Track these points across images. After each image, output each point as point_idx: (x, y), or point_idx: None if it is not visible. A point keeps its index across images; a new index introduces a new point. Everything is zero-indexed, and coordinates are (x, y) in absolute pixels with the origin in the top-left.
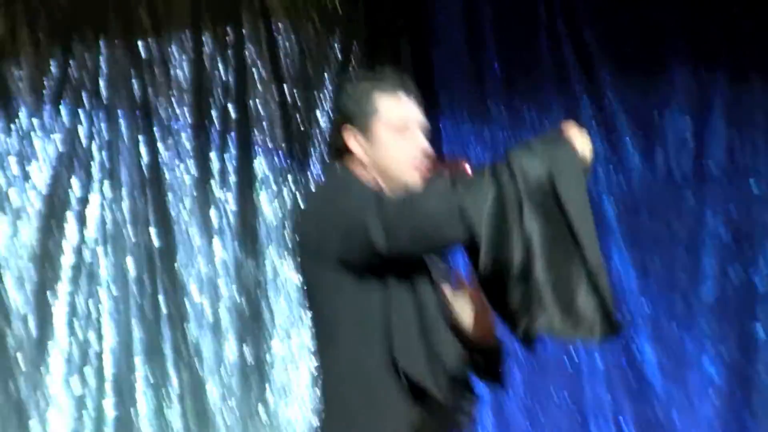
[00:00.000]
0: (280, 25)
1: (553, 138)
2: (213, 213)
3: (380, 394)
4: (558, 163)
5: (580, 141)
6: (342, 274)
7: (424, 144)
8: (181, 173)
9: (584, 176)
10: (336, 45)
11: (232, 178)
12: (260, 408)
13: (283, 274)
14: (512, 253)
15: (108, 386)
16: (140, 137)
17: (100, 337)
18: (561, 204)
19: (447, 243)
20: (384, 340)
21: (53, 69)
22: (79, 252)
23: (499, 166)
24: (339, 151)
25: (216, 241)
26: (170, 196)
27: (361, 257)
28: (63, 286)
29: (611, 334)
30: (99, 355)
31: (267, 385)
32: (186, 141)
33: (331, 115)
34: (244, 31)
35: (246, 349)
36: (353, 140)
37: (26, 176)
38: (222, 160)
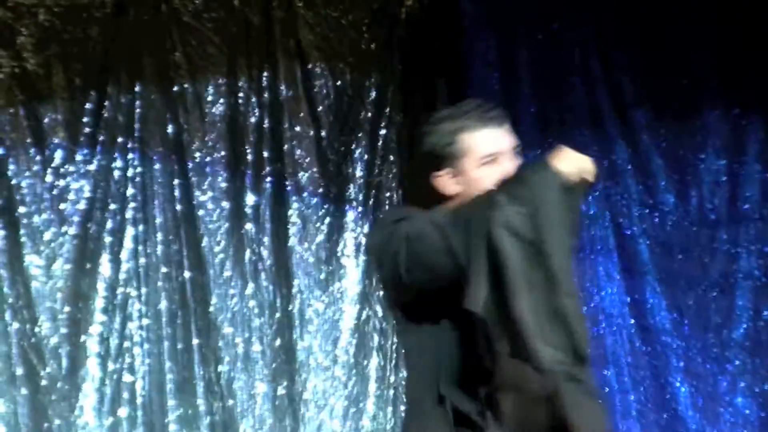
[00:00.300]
0: (316, 66)
1: (539, 165)
2: (247, 254)
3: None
4: (538, 193)
5: (569, 161)
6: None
7: (511, 170)
8: (216, 214)
9: (572, 195)
10: (372, 87)
11: (267, 221)
12: None
13: (317, 313)
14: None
15: (140, 422)
16: (175, 179)
17: (133, 374)
18: (539, 234)
19: (444, 277)
20: (434, 377)
21: (88, 110)
22: (112, 290)
23: (489, 197)
24: (428, 195)
25: (250, 282)
26: (205, 237)
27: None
28: (95, 327)
29: (577, 366)
30: (132, 393)
31: (300, 423)
32: (221, 182)
33: (403, 160)
34: (279, 72)
35: (279, 387)
36: (450, 184)
37: (61, 216)
38: (257, 202)
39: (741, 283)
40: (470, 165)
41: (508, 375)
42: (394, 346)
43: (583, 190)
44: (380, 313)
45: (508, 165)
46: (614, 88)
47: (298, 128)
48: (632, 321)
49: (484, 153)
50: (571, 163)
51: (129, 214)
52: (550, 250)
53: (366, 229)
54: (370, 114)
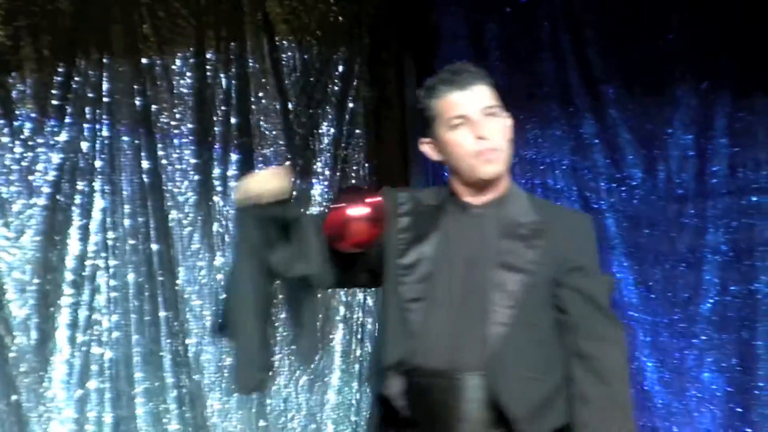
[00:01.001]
0: (283, 40)
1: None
2: (215, 226)
3: None
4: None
5: (245, 188)
6: None
7: (481, 131)
8: (184, 186)
9: (252, 212)
10: (340, 61)
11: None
12: (260, 422)
13: None
14: None
15: (108, 395)
16: (143, 151)
17: (101, 347)
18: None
19: None
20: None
21: (57, 82)
22: (81, 262)
23: None
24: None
25: (218, 255)
26: (173, 209)
27: None
28: (64, 299)
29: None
30: (101, 365)
31: (267, 396)
32: (188, 155)
33: (370, 134)
34: (247, 45)
35: None
36: (430, 152)
37: (29, 188)
38: (224, 173)
39: (708, 257)
40: (442, 130)
41: None
42: (359, 320)
43: (280, 202)
44: None
45: (477, 128)
46: (583, 62)
47: (265, 101)
48: None
49: (450, 116)
50: (248, 187)
51: (97, 186)
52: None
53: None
54: (337, 88)
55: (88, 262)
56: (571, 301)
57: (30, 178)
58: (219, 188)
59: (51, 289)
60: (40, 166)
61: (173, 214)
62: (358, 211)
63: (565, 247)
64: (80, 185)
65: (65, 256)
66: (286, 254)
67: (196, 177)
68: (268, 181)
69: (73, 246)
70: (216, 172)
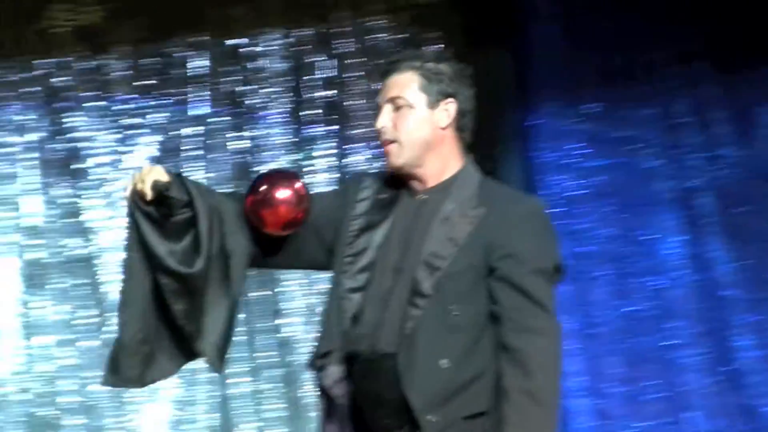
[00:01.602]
0: (374, 20)
1: None
2: None
3: None
4: None
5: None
6: None
7: (376, 122)
8: (274, 166)
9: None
10: (430, 40)
11: (325, 173)
12: None
13: None
14: None
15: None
16: (233, 131)
17: None
18: None
19: None
20: None
21: (150, 63)
22: None
23: None
24: None
25: None
26: None
27: None
28: None
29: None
30: None
31: None
32: (278, 135)
33: None
34: (337, 25)
35: None
36: None
37: (127, 169)
38: (313, 155)
39: None
40: None
41: None
42: None
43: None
44: None
45: (381, 117)
46: (677, 38)
47: (355, 82)
48: (695, 274)
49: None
50: (129, 184)
51: (190, 167)
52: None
53: None
54: None
55: None
56: (501, 291)
57: (125, 159)
58: (309, 169)
59: None
60: (135, 147)
61: None
62: (281, 193)
63: (500, 234)
64: (176, 167)
65: None
66: (177, 247)
67: (287, 158)
68: (144, 177)
69: None
70: (306, 153)
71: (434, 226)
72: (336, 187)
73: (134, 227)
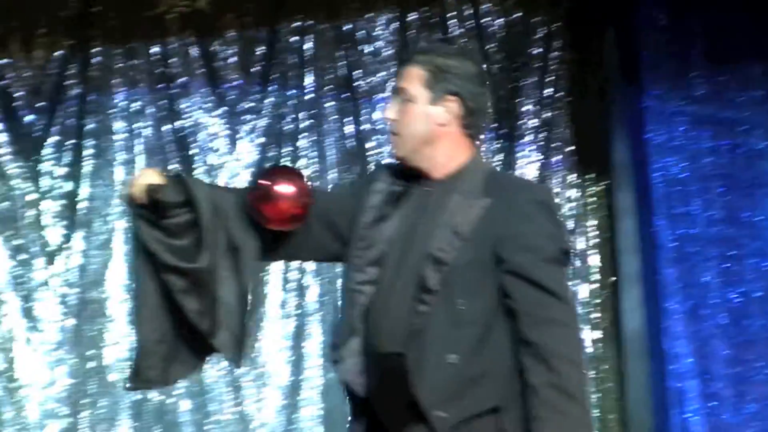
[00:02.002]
0: (484, 2)
1: None
2: None
3: None
4: None
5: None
6: None
7: (384, 112)
8: (387, 150)
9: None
10: (541, 24)
11: None
12: None
13: None
14: None
15: None
16: (346, 115)
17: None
18: None
19: None
20: None
21: (260, 48)
22: None
23: None
24: None
25: None
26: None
27: None
28: None
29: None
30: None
31: None
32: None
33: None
34: (448, 8)
35: None
36: None
37: (236, 154)
38: None
39: None
40: None
41: None
42: None
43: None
44: None
45: (388, 108)
46: None
47: None
48: None
49: None
50: (126, 187)
51: (302, 152)
52: None
53: (536, 164)
54: (538, 51)
55: None
56: (513, 285)
57: (236, 144)
58: None
59: None
60: (245, 133)
61: None
62: (284, 188)
63: (507, 225)
64: (285, 151)
65: None
66: (181, 245)
67: None
68: (136, 181)
69: None
70: None
71: (439, 220)
72: (354, 179)
73: (135, 231)
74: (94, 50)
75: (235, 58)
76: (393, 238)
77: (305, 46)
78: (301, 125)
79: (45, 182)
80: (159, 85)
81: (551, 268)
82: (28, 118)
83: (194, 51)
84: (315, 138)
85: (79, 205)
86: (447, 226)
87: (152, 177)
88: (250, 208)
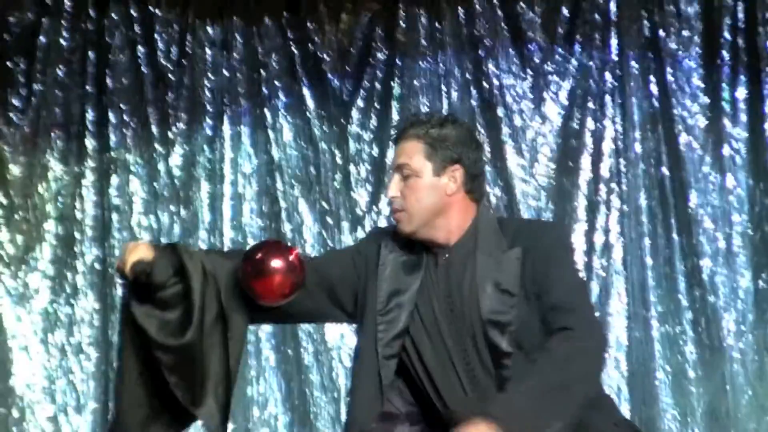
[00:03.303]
0: None
1: None
2: (725, 149)
3: None
4: None
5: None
6: None
7: (387, 190)
8: (692, 109)
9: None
10: None
11: (743, 114)
12: None
13: None
14: None
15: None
16: (651, 75)
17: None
18: None
19: None
20: None
21: (565, 9)
22: (593, 187)
23: None
24: None
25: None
26: (682, 132)
27: None
28: (580, 224)
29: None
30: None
31: None
32: (696, 78)
33: None
34: None
35: (760, 281)
36: None
37: (541, 115)
38: (732, 96)
39: None
40: None
41: None
42: None
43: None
44: None
45: (392, 185)
46: None
47: None
48: None
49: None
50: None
51: (608, 112)
52: None
53: None
54: None
55: (600, 188)
56: (550, 315)
57: (541, 105)
58: (728, 111)
59: (567, 213)
60: (551, 94)
61: (683, 138)
62: (276, 263)
63: (537, 263)
64: (591, 111)
65: (578, 181)
66: (170, 318)
67: (705, 100)
68: (125, 258)
69: (585, 172)
70: (724, 95)
71: (480, 284)
72: (355, 244)
73: (124, 302)
74: (400, 14)
75: (539, 20)
76: (415, 311)
77: (610, 6)
78: (606, 87)
79: (352, 146)
80: (464, 48)
81: (578, 294)
82: (336, 82)
83: (499, 12)
84: (620, 99)
85: (386, 170)
86: (490, 287)
87: (141, 252)
88: (243, 284)
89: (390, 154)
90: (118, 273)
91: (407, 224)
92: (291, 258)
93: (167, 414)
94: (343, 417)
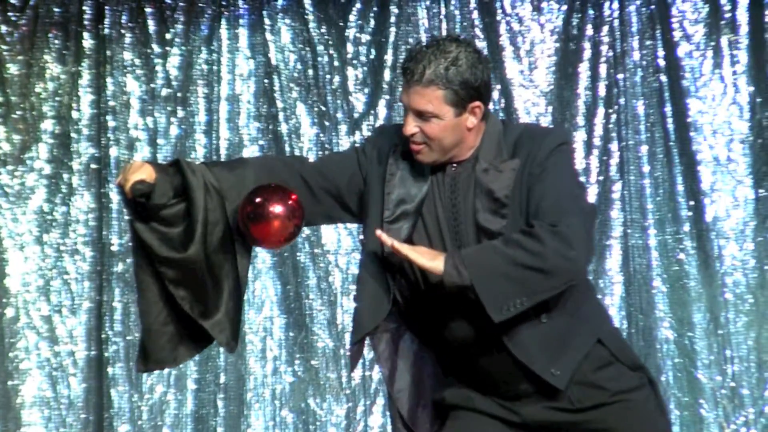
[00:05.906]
0: None
1: None
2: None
3: None
4: None
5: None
6: None
7: (406, 130)
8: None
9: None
10: None
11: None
12: None
13: None
14: None
15: None
16: None
17: None
18: None
19: None
20: None
21: None
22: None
23: None
24: None
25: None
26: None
27: None
28: None
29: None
30: None
31: None
32: None
33: None
34: None
35: None
36: None
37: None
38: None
39: None
40: None
41: None
42: None
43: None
44: None
45: (416, 120)
46: None
47: None
48: None
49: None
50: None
51: (606, 17)
52: None
53: None
54: None
55: (598, 94)
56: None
57: (540, 10)
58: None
59: (566, 119)
60: None
61: (682, 45)
62: (276, 208)
63: (533, 171)
64: (590, 18)
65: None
66: (173, 233)
67: (705, 6)
68: (127, 176)
69: (583, 79)
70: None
71: (478, 194)
72: (355, 146)
73: (129, 221)
74: None
75: None
76: (425, 221)
77: None
78: None
79: (350, 49)
80: None
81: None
82: None
83: None
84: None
85: (384, 73)
86: (486, 198)
87: (143, 173)
88: (242, 228)
89: (388, 57)
90: (118, 189)
91: (428, 156)
92: (290, 203)
93: (189, 333)
94: (339, 320)
